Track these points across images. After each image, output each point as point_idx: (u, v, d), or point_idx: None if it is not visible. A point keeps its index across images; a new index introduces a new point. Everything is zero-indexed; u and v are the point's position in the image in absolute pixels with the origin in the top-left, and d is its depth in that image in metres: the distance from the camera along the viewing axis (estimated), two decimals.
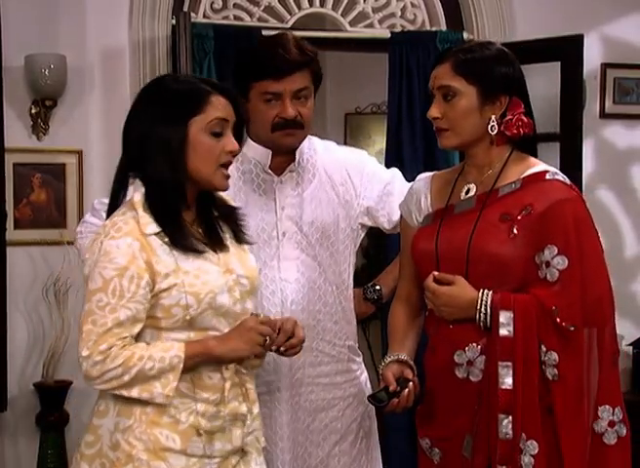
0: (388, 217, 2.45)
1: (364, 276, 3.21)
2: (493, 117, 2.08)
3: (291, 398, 2.36)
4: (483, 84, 2.06)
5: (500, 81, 2.07)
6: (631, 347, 4.20)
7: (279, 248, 2.33)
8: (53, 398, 3.75)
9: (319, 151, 2.44)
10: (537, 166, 2.13)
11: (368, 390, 2.46)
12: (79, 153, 3.85)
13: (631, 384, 4.23)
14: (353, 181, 2.44)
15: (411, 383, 2.09)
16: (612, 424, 2.02)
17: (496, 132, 2.08)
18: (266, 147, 2.35)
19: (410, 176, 2.45)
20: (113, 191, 1.98)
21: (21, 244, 3.76)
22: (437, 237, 2.10)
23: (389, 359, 2.15)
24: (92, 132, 3.85)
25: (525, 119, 2.10)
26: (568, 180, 2.11)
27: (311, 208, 2.38)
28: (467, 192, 2.14)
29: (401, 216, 2.30)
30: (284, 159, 2.36)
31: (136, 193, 1.93)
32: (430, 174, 2.27)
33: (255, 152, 2.36)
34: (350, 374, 2.44)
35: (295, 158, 2.38)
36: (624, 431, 2.03)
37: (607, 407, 2.02)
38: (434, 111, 2.09)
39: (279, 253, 2.33)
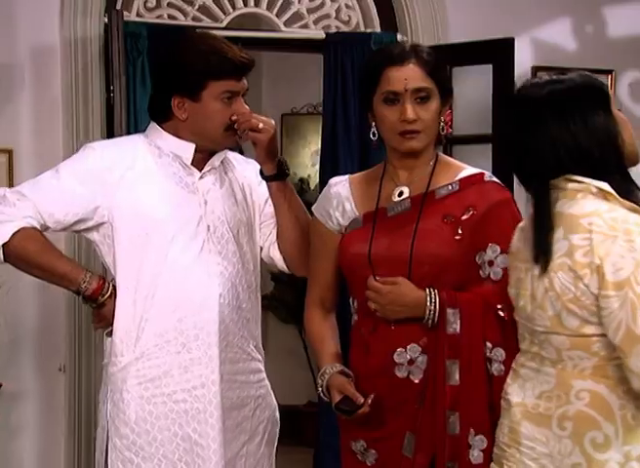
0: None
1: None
2: (442, 118, 2.14)
3: (219, 393, 2.33)
4: (443, 86, 2.13)
5: (450, 84, 2.18)
6: None
7: (204, 242, 2.32)
8: None
9: (229, 153, 2.48)
10: (467, 168, 2.18)
11: (271, 393, 2.47)
12: (9, 152, 3.77)
13: None
14: (256, 189, 2.47)
15: (373, 395, 2.07)
16: None
17: (444, 132, 2.14)
18: (204, 145, 2.35)
19: None
20: None
21: None
22: (371, 241, 2.10)
23: (333, 370, 2.14)
24: (22, 131, 3.78)
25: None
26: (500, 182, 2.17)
27: (230, 204, 2.39)
28: (401, 194, 2.15)
29: (312, 221, 2.28)
30: (203, 156, 2.37)
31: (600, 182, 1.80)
32: (345, 177, 2.26)
33: (173, 146, 2.34)
34: (260, 375, 2.44)
35: (211, 156, 2.39)
36: None
37: None
38: (413, 113, 2.08)
39: (205, 246, 2.32)
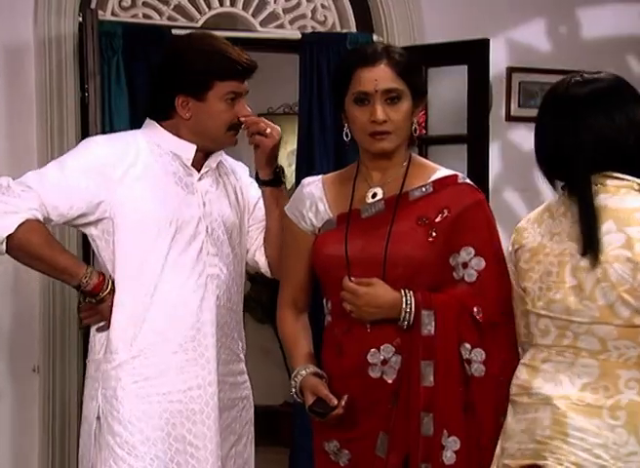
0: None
1: None
2: (415, 119, 2.14)
3: (216, 394, 2.34)
4: (416, 87, 2.13)
5: (424, 85, 2.20)
6: None
7: (203, 243, 2.33)
8: None
9: (224, 156, 2.50)
10: (440, 169, 2.19)
11: (251, 393, 2.50)
12: None
13: None
14: (247, 191, 2.50)
15: (346, 396, 2.07)
16: None
17: (417, 133, 2.15)
18: (205, 145, 2.36)
19: None
20: None
21: None
22: (346, 242, 2.11)
23: (306, 371, 2.14)
24: None
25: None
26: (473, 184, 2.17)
27: (225, 206, 2.41)
28: (374, 196, 2.15)
29: (285, 221, 2.28)
30: (202, 156, 2.39)
31: None
32: (318, 177, 2.26)
33: (173, 145, 2.36)
34: (245, 375, 2.48)
35: (208, 157, 2.41)
36: None
37: None
38: (383, 114, 2.08)
39: (204, 248, 2.33)
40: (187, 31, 3.94)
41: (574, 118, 1.94)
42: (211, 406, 2.31)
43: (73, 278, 2.28)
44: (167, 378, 2.29)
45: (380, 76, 2.08)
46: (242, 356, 2.45)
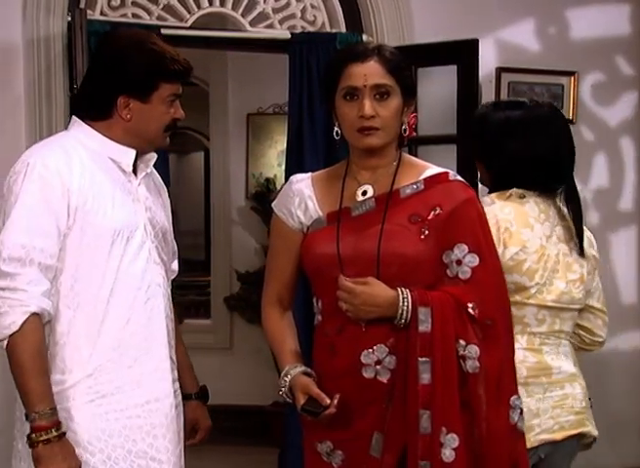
0: None
1: None
2: (405, 119, 2.14)
3: (174, 406, 2.28)
4: (406, 86, 2.13)
5: (414, 85, 2.18)
6: None
7: (150, 251, 2.25)
8: None
9: None
10: (431, 167, 2.18)
11: None
12: None
13: None
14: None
15: (338, 395, 2.06)
16: (522, 412, 2.09)
17: (407, 134, 2.14)
18: (139, 146, 2.27)
19: None
20: None
21: None
22: (338, 241, 2.10)
23: (295, 371, 2.12)
24: None
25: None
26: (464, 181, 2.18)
27: (159, 210, 2.34)
28: (364, 194, 2.14)
29: (273, 218, 2.25)
30: (135, 162, 2.29)
31: None
32: (307, 175, 2.24)
33: (111, 151, 2.25)
34: (177, 383, 2.35)
35: (137, 162, 2.30)
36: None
37: (516, 396, 2.08)
38: (371, 109, 2.07)
39: (150, 256, 2.25)
40: (178, 31, 4.00)
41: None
42: (170, 418, 2.25)
43: (27, 406, 2.09)
44: (123, 394, 2.19)
45: (369, 72, 2.08)
46: (175, 362, 2.35)
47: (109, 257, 2.18)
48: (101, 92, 2.24)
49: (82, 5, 3.88)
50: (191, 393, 2.42)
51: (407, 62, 2.17)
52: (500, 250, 2.21)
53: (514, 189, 2.34)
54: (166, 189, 2.46)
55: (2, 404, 3.72)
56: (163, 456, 2.22)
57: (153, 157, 2.34)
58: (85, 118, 2.27)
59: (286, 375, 2.12)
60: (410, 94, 2.14)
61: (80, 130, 2.26)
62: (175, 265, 2.45)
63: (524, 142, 2.34)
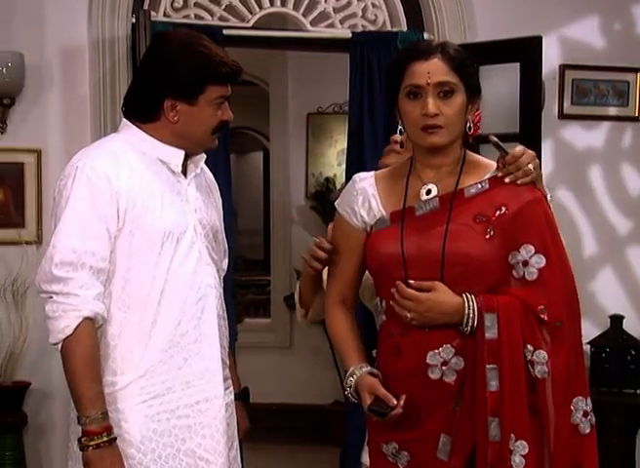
0: None
1: None
2: (470, 117, 2.11)
3: (223, 407, 2.29)
4: (470, 83, 2.10)
5: (478, 83, 2.14)
6: (589, 346, 4.25)
7: (200, 252, 2.26)
8: (10, 399, 3.69)
9: None
10: (495, 166, 2.15)
11: None
12: (38, 152, 3.81)
13: (589, 382, 4.27)
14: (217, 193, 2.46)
15: (404, 396, 2.05)
16: (585, 414, 2.05)
17: (472, 132, 2.12)
18: (188, 148, 2.27)
19: None
20: None
21: None
22: (402, 240, 2.08)
23: (361, 371, 2.11)
24: (51, 131, 3.81)
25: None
26: None
27: (210, 211, 2.34)
28: (429, 193, 2.12)
29: (336, 217, 2.24)
30: (184, 162, 2.29)
31: None
32: (371, 173, 2.23)
33: (159, 152, 2.25)
34: (230, 381, 2.38)
35: (187, 163, 2.31)
36: (594, 419, 2.07)
37: (580, 397, 2.05)
38: (435, 108, 2.05)
39: (201, 257, 2.26)
40: (239, 31, 4.03)
41: None
42: (219, 418, 2.26)
43: (79, 409, 2.12)
44: (174, 394, 2.21)
45: (432, 69, 2.05)
46: (227, 362, 2.36)
47: (159, 259, 2.19)
48: (149, 94, 2.25)
49: (146, 7, 3.93)
50: (234, 393, 2.42)
51: (471, 60, 2.13)
52: None
53: None
54: (218, 188, 2.46)
55: (64, 403, 3.79)
56: (210, 456, 2.23)
57: (203, 157, 2.34)
58: (134, 120, 2.28)
59: (352, 375, 2.12)
60: (474, 91, 2.12)
61: (129, 132, 2.28)
62: (224, 264, 2.45)
63: None
